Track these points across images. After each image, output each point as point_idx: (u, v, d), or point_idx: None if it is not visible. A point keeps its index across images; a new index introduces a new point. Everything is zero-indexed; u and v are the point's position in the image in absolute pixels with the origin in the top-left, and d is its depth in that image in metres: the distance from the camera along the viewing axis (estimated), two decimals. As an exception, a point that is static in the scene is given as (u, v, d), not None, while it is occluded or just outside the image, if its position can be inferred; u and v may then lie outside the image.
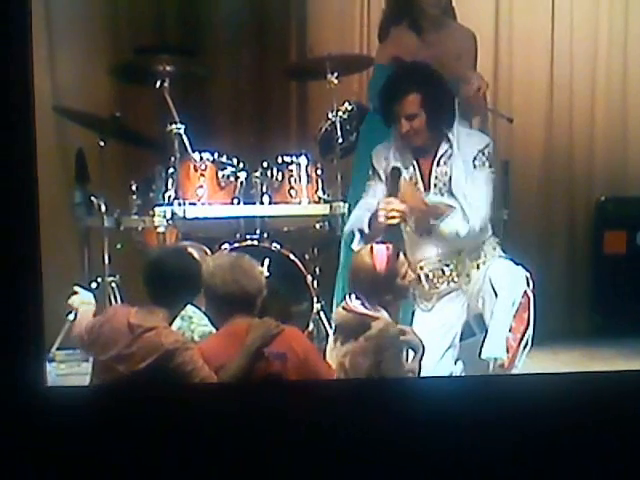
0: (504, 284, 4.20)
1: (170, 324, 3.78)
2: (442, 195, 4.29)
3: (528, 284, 4.23)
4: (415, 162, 4.35)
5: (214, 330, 3.92)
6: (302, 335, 3.80)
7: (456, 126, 4.34)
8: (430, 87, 4.27)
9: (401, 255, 3.94)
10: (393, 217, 4.16)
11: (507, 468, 2.91)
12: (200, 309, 4.00)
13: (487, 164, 4.29)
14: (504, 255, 4.40)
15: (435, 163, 4.31)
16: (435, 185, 4.31)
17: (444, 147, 4.30)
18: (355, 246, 4.34)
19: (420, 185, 4.33)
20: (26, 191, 2.84)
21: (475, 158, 4.29)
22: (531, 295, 4.22)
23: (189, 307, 3.97)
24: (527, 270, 4.27)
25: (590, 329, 6.29)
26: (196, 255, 4.00)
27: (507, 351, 4.14)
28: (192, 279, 3.81)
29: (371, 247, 3.93)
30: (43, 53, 5.66)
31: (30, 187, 2.85)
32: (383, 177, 4.39)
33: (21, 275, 2.84)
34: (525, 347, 4.18)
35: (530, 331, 4.20)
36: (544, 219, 6.46)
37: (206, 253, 4.21)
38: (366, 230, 4.27)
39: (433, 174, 4.31)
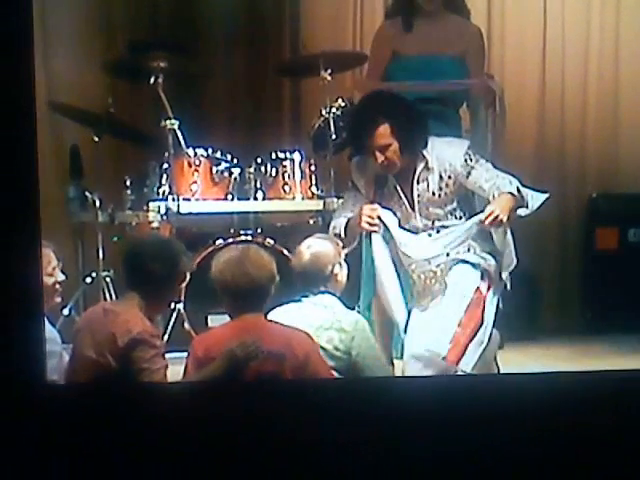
0: (454, 277, 4.18)
1: (152, 317, 3.78)
2: (427, 210, 4.29)
3: (483, 279, 4.18)
4: (397, 185, 4.34)
5: (358, 314, 3.91)
6: (307, 338, 3.67)
7: (432, 140, 4.30)
8: (398, 114, 4.22)
9: None
10: (376, 225, 4.18)
11: (497, 467, 2.91)
12: (335, 295, 3.98)
13: (480, 159, 4.29)
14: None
15: (415, 181, 4.31)
16: (419, 202, 4.31)
17: (421, 165, 4.28)
18: None
19: (406, 204, 4.33)
20: (27, 188, 2.84)
21: (465, 160, 4.27)
22: (486, 292, 4.15)
23: (327, 295, 3.95)
24: (491, 265, 4.21)
25: (582, 325, 6.29)
26: (331, 249, 3.98)
27: (455, 346, 4.06)
28: (167, 266, 3.78)
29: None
30: (38, 48, 5.62)
31: (31, 183, 2.84)
32: (362, 190, 4.37)
33: (22, 272, 2.83)
34: (481, 345, 4.10)
35: (485, 329, 4.11)
36: (536, 215, 6.44)
37: (337, 244, 4.16)
38: (342, 236, 4.28)
39: (415, 192, 4.30)
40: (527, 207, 4.19)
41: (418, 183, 4.29)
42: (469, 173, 4.25)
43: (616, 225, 6.32)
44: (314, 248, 4.01)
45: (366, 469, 2.87)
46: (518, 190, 4.15)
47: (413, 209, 4.31)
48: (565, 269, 6.49)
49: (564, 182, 6.46)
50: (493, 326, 4.17)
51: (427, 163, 4.26)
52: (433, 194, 4.28)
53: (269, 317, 3.84)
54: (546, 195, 4.25)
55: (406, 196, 4.32)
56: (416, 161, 4.28)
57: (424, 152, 4.27)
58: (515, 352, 4.81)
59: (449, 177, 4.27)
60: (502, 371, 4.40)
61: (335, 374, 3.74)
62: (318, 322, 3.82)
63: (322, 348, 3.75)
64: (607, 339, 5.73)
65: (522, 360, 4.87)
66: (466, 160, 4.25)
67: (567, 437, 2.90)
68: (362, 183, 4.38)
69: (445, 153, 4.28)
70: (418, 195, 4.29)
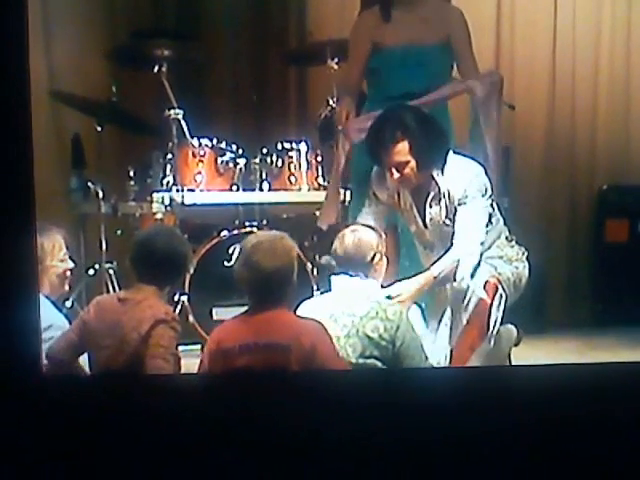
0: (458, 287, 4.13)
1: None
2: (440, 230, 4.24)
3: (489, 287, 4.11)
4: (413, 203, 4.28)
5: (400, 305, 3.87)
6: (318, 329, 3.57)
7: (449, 161, 4.22)
8: (419, 132, 4.11)
9: None
10: None
11: (506, 458, 2.88)
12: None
13: (474, 200, 4.16)
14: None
15: (428, 205, 4.25)
16: (432, 224, 4.26)
17: (434, 190, 4.22)
18: None
19: (420, 222, 4.27)
20: (22, 178, 2.81)
21: (465, 194, 4.17)
22: (491, 300, 4.09)
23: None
24: (502, 274, 4.17)
25: (591, 317, 6.28)
26: (374, 236, 3.92)
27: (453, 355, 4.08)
28: (180, 257, 3.79)
29: None
30: (39, 37, 5.61)
31: (26, 173, 2.82)
32: (387, 202, 4.31)
33: (17, 262, 2.81)
34: (485, 351, 4.08)
35: (489, 336, 4.09)
36: (545, 207, 6.43)
37: (380, 235, 4.08)
38: None
39: (427, 215, 4.25)
40: (454, 280, 4.11)
41: (430, 207, 4.23)
42: (455, 209, 4.17)
43: (626, 217, 6.32)
44: (358, 234, 3.95)
45: (377, 460, 2.86)
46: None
47: (426, 227, 4.26)
48: (575, 261, 6.47)
49: (574, 173, 6.45)
50: (501, 323, 4.14)
51: (439, 190, 4.18)
52: (443, 218, 4.22)
53: (305, 306, 3.82)
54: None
55: (420, 214, 4.25)
56: (430, 185, 4.20)
57: (435, 176, 4.18)
58: (524, 345, 4.75)
59: (454, 208, 4.21)
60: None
61: (378, 364, 3.72)
62: (363, 311, 3.77)
63: (367, 337, 3.72)
64: (617, 331, 5.70)
65: (531, 353, 4.82)
66: (462, 197, 4.15)
67: (576, 428, 2.90)
68: (383, 195, 4.31)
69: (456, 175, 4.19)
70: (431, 218, 4.24)
